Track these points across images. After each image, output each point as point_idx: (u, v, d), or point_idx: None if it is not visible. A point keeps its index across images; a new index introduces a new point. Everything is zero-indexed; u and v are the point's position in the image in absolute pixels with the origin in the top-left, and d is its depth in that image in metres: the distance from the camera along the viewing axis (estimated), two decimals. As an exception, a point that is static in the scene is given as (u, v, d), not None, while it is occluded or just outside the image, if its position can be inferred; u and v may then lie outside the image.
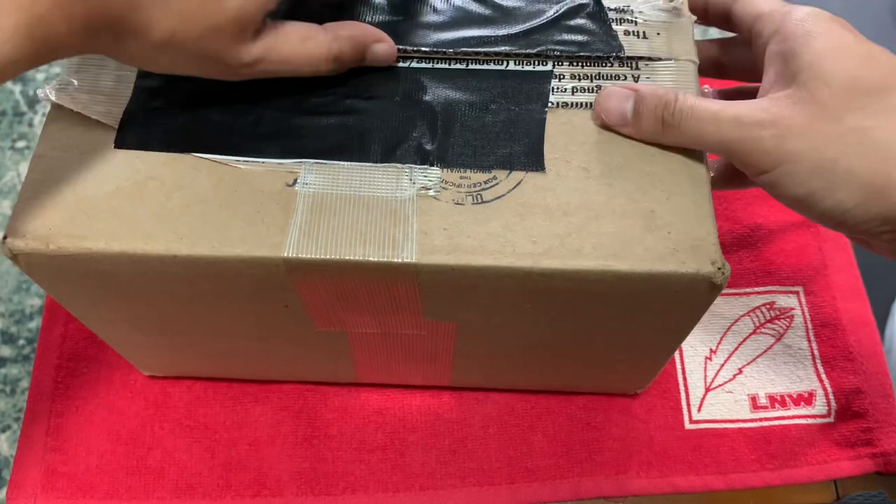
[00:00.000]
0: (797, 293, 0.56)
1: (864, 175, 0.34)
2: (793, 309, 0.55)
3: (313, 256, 0.35)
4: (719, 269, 0.34)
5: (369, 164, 0.37)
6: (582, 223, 0.35)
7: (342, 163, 0.37)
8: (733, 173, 0.45)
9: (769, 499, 0.50)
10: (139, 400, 0.52)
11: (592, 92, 0.39)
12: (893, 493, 0.50)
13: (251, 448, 0.51)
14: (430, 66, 0.40)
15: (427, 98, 0.39)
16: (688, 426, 0.52)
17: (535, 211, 0.36)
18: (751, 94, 0.43)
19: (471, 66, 0.40)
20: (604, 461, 0.51)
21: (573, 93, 0.39)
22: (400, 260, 0.35)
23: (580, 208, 0.36)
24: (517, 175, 0.37)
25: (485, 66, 0.40)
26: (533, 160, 0.37)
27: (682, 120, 0.36)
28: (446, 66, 0.40)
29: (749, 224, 0.57)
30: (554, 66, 0.40)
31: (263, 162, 0.37)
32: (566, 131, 0.38)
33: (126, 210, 0.35)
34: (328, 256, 0.35)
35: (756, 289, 0.56)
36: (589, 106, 0.39)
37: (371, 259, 0.35)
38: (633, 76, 0.39)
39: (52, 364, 0.53)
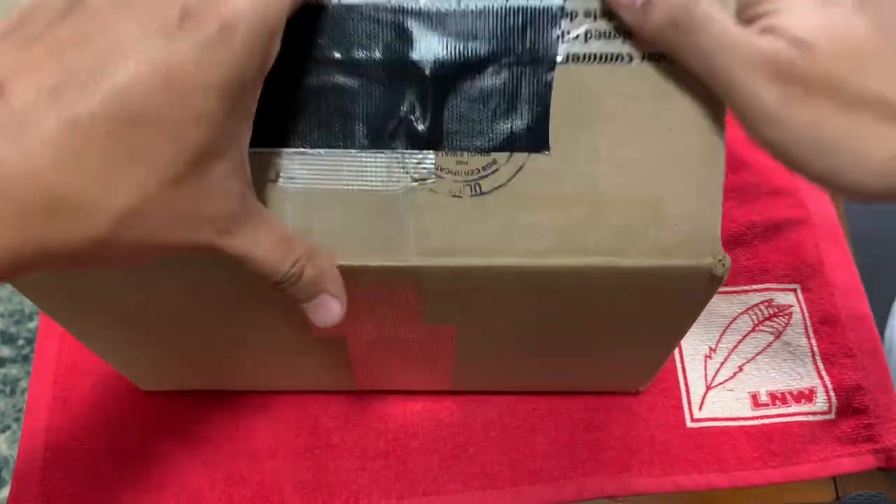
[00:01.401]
0: (795, 290, 0.55)
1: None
2: (791, 306, 0.54)
3: None
4: (719, 260, 0.33)
5: (355, 150, 0.32)
6: (587, 215, 0.33)
7: (327, 151, 0.33)
8: None
9: (770, 499, 0.50)
10: (138, 414, 0.51)
11: (611, 38, 0.31)
12: (894, 492, 0.49)
13: (252, 460, 0.50)
14: (414, 3, 0.31)
15: (414, 56, 0.32)
16: (689, 424, 0.51)
17: (537, 202, 0.33)
18: None
19: (463, 2, 0.32)
20: (606, 461, 0.50)
21: (586, 39, 0.32)
22: (398, 263, 0.33)
23: (585, 197, 0.33)
24: (518, 158, 0.32)
25: (480, 2, 0.31)
26: (536, 139, 0.32)
27: (695, 29, 0.29)
28: (434, 4, 0.32)
29: (744, 222, 0.56)
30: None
31: None
32: (576, 97, 0.32)
33: None
34: None
35: (754, 286, 0.55)
36: (606, 59, 0.32)
37: (369, 264, 0.33)
38: None
39: (50, 378, 0.52)
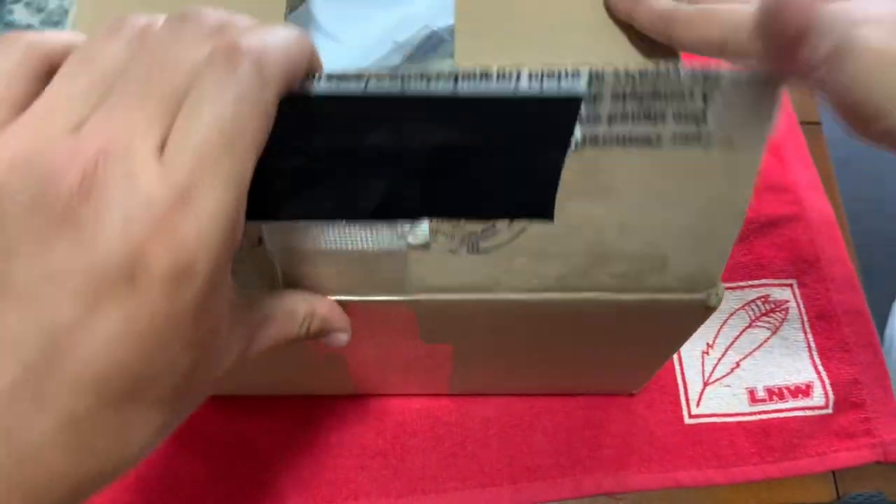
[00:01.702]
0: (791, 286, 0.55)
1: None
2: (787, 301, 0.54)
3: None
4: (714, 292, 0.33)
5: (343, 221, 0.30)
6: (587, 266, 0.31)
7: (315, 222, 0.30)
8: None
9: (770, 498, 0.49)
10: (138, 414, 0.51)
11: (639, 120, 0.27)
12: (893, 491, 0.49)
13: (251, 459, 0.50)
14: (398, 89, 0.26)
15: (398, 147, 0.27)
16: (687, 421, 0.51)
17: (538, 257, 0.31)
18: None
19: (459, 89, 0.26)
20: (604, 458, 0.50)
21: (610, 122, 0.27)
22: (394, 298, 0.33)
23: (587, 254, 0.31)
24: (520, 222, 0.30)
25: (482, 86, 0.26)
26: (540, 211, 0.29)
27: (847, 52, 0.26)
28: (423, 88, 0.26)
29: (740, 218, 0.55)
30: (591, 81, 0.26)
31: None
32: (588, 175, 0.28)
33: None
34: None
35: (750, 282, 0.55)
36: (629, 141, 0.27)
37: (367, 298, 0.33)
38: (704, 94, 0.26)
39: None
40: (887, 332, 0.63)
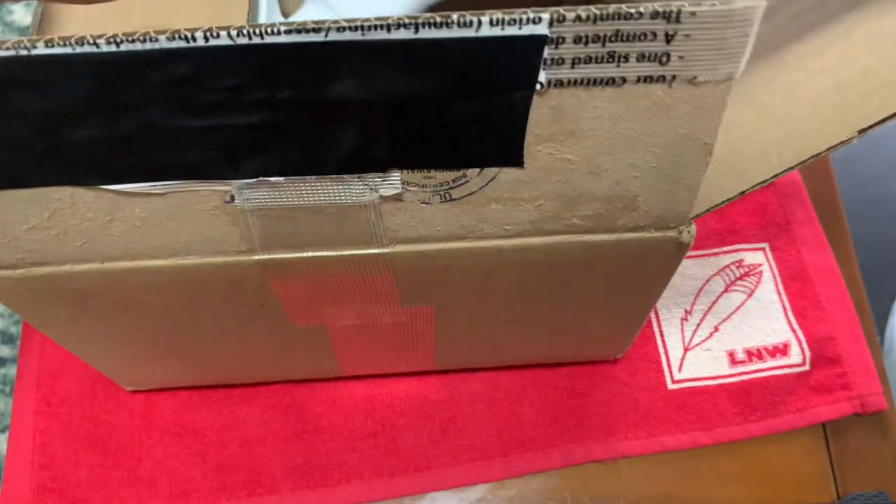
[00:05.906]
0: (763, 249, 0.54)
1: None
2: (761, 265, 0.53)
3: (285, 256, 0.32)
4: (686, 229, 0.32)
5: (314, 178, 0.28)
6: (558, 210, 0.30)
7: (285, 178, 0.28)
8: None
9: (769, 498, 0.48)
10: (124, 410, 0.48)
11: (602, 62, 0.25)
12: (893, 492, 0.48)
13: (242, 448, 0.47)
14: (360, 36, 0.24)
15: (363, 96, 0.25)
16: (670, 386, 0.50)
17: (510, 203, 0.30)
18: None
19: (421, 33, 0.24)
20: (592, 426, 0.48)
21: (573, 65, 0.25)
22: (369, 251, 0.32)
23: (559, 197, 0.30)
24: (490, 170, 0.29)
25: (442, 32, 0.24)
26: (509, 157, 0.28)
27: None
28: (384, 35, 0.24)
29: (711, 185, 0.54)
30: (552, 22, 0.24)
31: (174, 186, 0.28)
32: (555, 118, 0.27)
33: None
34: (300, 255, 0.32)
35: (723, 248, 0.54)
36: (593, 83, 0.26)
37: (343, 253, 0.32)
38: (666, 34, 0.24)
39: (33, 382, 0.49)
40: (887, 332, 0.63)
